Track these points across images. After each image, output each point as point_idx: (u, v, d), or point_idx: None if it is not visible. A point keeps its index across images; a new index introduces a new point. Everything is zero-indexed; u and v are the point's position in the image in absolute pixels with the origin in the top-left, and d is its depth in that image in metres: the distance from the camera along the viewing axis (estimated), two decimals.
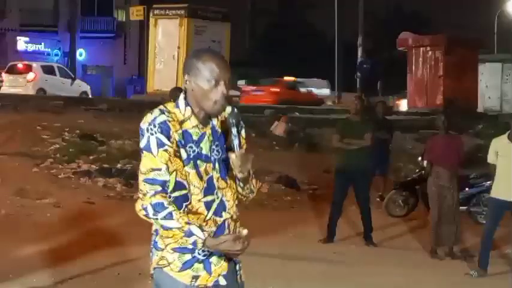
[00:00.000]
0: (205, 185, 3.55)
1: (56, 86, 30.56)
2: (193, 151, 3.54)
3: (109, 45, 47.27)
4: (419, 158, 12.86)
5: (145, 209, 3.47)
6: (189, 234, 3.44)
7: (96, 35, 47.06)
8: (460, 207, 10.78)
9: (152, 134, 3.49)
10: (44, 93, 29.07)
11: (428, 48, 26.57)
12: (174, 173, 3.51)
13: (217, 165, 3.59)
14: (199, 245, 3.45)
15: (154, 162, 3.48)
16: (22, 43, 44.82)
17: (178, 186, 3.52)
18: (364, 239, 11.02)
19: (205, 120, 3.60)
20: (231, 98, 3.50)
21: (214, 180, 3.58)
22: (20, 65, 32.06)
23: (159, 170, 3.48)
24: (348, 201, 11.28)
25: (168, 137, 3.49)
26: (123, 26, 47.56)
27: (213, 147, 3.59)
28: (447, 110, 20.51)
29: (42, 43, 45.43)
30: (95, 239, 10.20)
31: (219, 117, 3.64)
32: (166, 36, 25.89)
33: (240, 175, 3.56)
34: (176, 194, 3.52)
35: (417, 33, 29.94)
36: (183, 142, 3.53)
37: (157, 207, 3.45)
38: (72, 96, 26.94)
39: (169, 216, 3.44)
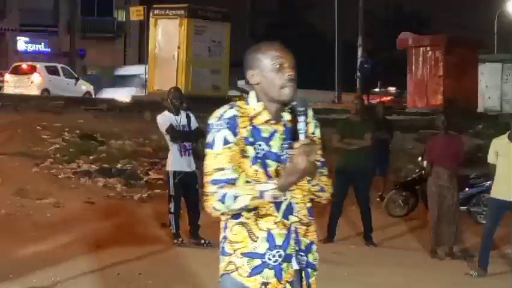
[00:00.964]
0: None
1: (60, 87, 30.49)
2: (263, 149, 3.41)
3: (109, 45, 47.29)
4: (419, 158, 12.86)
5: (215, 208, 3.37)
6: (262, 195, 3.34)
7: (96, 35, 47.09)
8: (460, 207, 10.78)
9: (219, 131, 3.38)
10: (48, 94, 29.06)
11: (428, 48, 26.57)
12: (243, 174, 3.39)
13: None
14: (277, 194, 3.33)
15: (217, 162, 3.38)
16: (22, 43, 44.87)
17: None
18: (364, 239, 11.01)
19: (277, 114, 3.48)
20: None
21: None
22: (24, 66, 31.99)
23: (223, 169, 3.36)
24: (348, 201, 11.27)
25: (235, 134, 3.38)
26: (123, 26, 47.60)
27: (285, 145, 3.45)
28: (447, 110, 20.49)
29: (42, 43, 45.45)
30: (95, 239, 10.19)
31: (290, 113, 3.50)
32: (166, 36, 25.85)
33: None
34: None
35: (417, 33, 29.96)
36: (251, 139, 3.40)
37: (223, 199, 3.34)
38: (72, 96, 26.92)
39: (235, 198, 3.33)
